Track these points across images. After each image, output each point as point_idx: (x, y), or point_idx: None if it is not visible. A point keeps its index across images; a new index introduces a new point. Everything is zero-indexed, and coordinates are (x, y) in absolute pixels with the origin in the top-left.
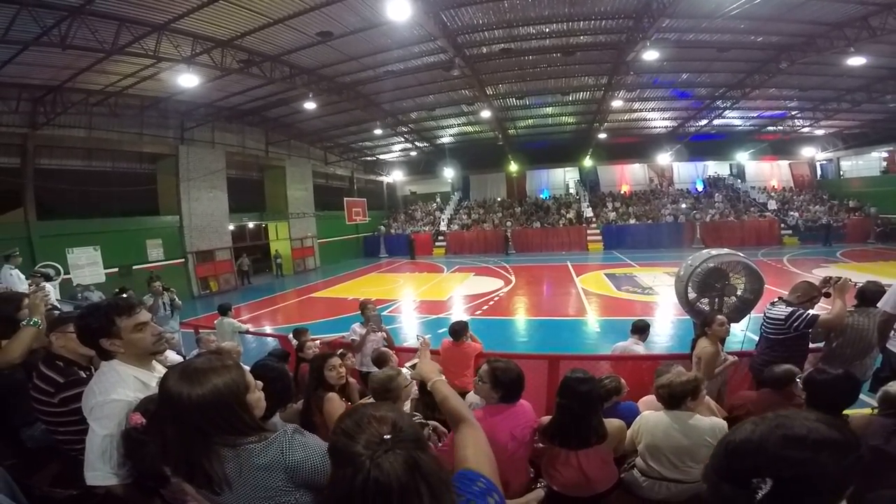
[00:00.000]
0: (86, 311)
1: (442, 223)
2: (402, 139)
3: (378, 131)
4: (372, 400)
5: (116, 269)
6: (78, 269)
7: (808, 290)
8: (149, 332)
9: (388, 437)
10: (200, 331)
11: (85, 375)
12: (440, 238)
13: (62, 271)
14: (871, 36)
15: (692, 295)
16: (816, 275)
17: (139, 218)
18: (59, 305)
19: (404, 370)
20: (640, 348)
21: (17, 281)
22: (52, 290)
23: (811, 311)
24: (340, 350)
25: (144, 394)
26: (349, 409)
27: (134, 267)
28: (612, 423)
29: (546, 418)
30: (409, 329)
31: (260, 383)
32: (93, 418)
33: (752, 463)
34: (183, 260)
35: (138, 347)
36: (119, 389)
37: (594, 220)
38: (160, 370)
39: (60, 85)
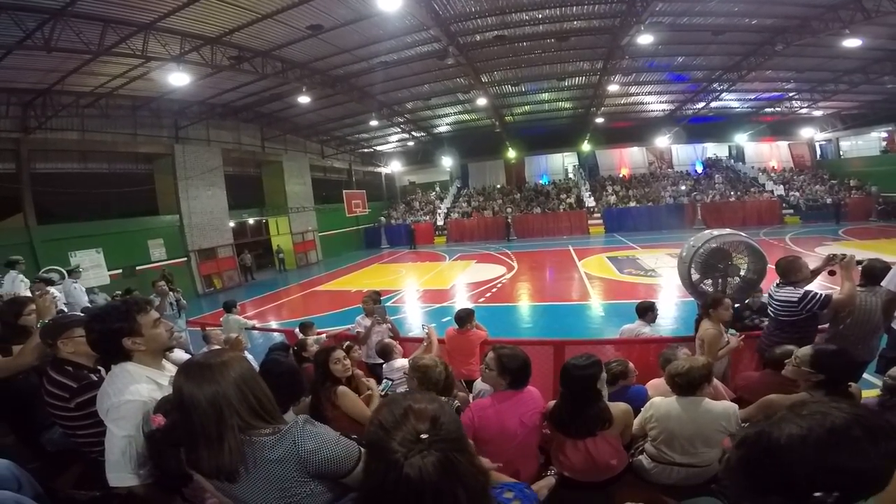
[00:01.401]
0: (102, 313)
1: (439, 217)
2: (399, 130)
3: (374, 123)
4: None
5: (120, 271)
6: (82, 271)
7: (800, 267)
8: (163, 328)
9: (426, 435)
10: (207, 328)
11: (96, 378)
12: (439, 231)
13: (66, 275)
14: (865, 18)
15: (695, 276)
16: (819, 253)
17: (139, 218)
18: (67, 310)
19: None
20: (647, 330)
21: (80, 294)
22: (60, 295)
23: (824, 292)
24: (346, 342)
25: (158, 393)
26: (389, 398)
27: (137, 268)
28: (617, 407)
29: (553, 403)
30: (414, 319)
31: None
32: (109, 420)
33: (807, 472)
34: (185, 259)
35: (157, 342)
36: (133, 390)
37: (596, 209)
38: (171, 369)
39: (49, 88)
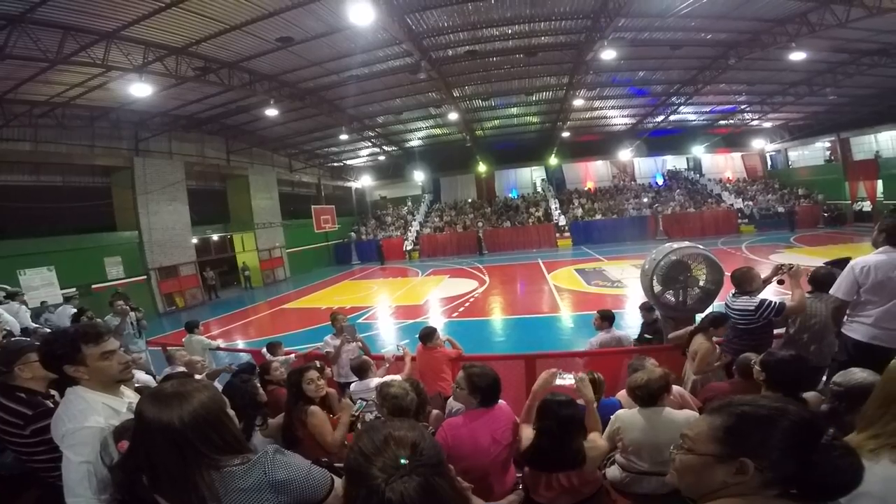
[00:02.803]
0: (52, 336)
1: (408, 241)
2: (370, 144)
3: (344, 136)
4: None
5: (74, 290)
6: (32, 290)
7: (754, 277)
8: (116, 361)
9: (406, 461)
10: (169, 348)
11: (52, 405)
12: (412, 249)
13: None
14: (810, 31)
15: (657, 288)
16: (773, 260)
17: (95, 235)
18: (15, 332)
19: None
20: (622, 333)
21: (25, 316)
22: (8, 317)
23: (778, 300)
24: (317, 363)
25: (115, 419)
26: (368, 425)
27: (93, 286)
28: (594, 447)
29: (529, 443)
30: (387, 335)
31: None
32: (65, 446)
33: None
34: (145, 277)
35: (104, 375)
36: (89, 416)
37: (566, 227)
38: (129, 395)
39: (1, 96)
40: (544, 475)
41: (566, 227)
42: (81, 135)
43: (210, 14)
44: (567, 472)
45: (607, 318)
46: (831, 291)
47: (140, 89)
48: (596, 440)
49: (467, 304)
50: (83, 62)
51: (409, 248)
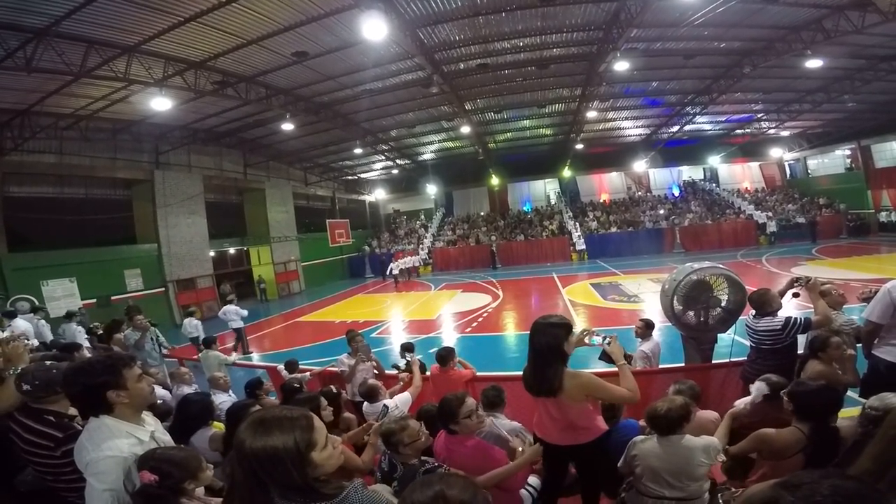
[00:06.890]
0: (87, 366)
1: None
2: (383, 157)
3: (358, 150)
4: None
5: (94, 301)
6: (54, 301)
7: (773, 298)
8: (146, 383)
9: None
10: (173, 369)
11: (79, 426)
12: (425, 263)
13: (37, 305)
14: (825, 38)
15: (678, 307)
16: (795, 273)
17: (116, 247)
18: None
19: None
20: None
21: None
22: (30, 326)
23: (803, 316)
24: (330, 386)
25: (139, 448)
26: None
27: (112, 297)
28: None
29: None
30: (399, 350)
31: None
32: (89, 474)
33: None
34: (163, 289)
35: (140, 397)
36: (112, 445)
37: (582, 241)
38: (150, 422)
39: (28, 109)
40: (540, 400)
41: (583, 249)
42: (104, 147)
43: (227, 29)
44: (548, 397)
45: (651, 326)
46: (864, 314)
47: (160, 103)
48: (613, 386)
49: (480, 320)
50: (106, 76)
51: (395, 271)
